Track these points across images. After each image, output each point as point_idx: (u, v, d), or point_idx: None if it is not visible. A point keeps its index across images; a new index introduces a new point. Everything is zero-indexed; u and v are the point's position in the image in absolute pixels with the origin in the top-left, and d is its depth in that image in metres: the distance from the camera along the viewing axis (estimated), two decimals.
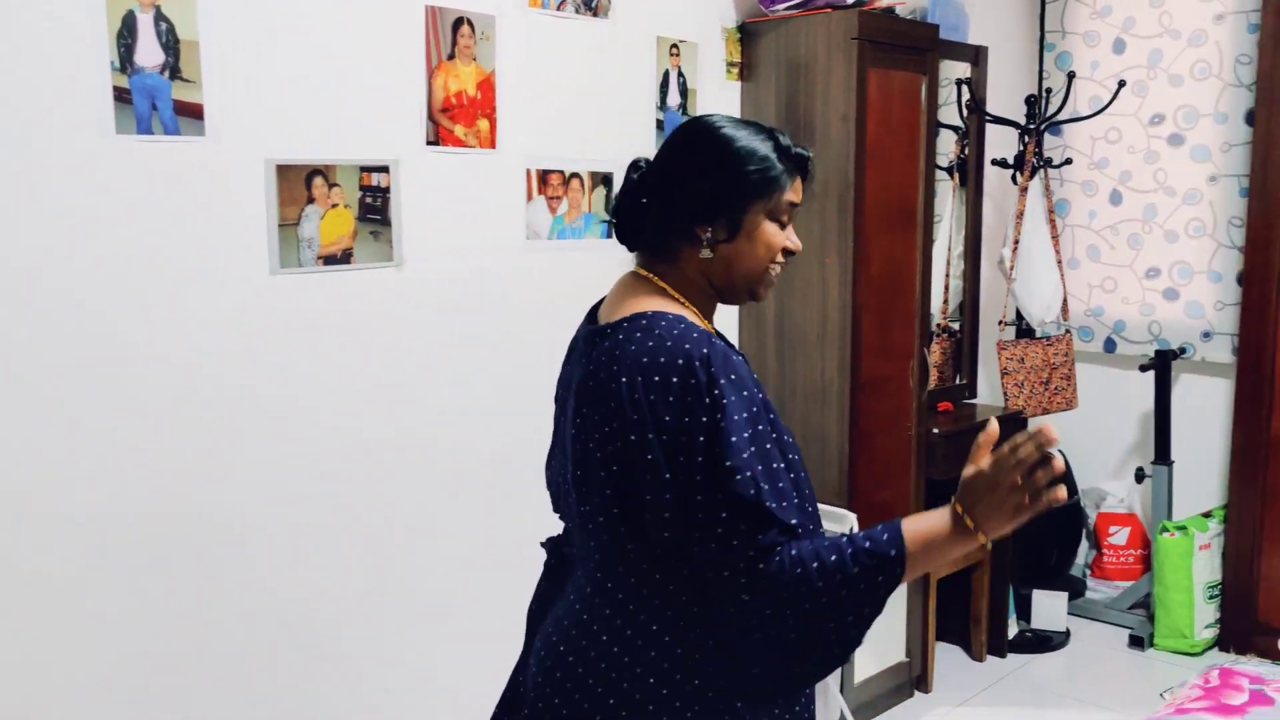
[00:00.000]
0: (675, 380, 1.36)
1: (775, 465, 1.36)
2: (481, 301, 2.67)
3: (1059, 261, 3.90)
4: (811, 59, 3.08)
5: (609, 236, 2.88)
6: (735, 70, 3.23)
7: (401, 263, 2.50)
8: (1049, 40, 4.34)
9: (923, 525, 1.35)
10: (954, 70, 3.80)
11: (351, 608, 2.49)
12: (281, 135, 2.29)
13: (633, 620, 1.43)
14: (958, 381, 3.90)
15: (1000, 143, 4.02)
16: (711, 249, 1.48)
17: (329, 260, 2.39)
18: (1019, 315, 3.94)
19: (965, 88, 3.77)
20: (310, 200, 2.34)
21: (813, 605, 1.32)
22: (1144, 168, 4.15)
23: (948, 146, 3.86)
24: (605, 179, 2.89)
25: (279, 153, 2.28)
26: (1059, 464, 1.30)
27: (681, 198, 1.48)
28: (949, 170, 3.85)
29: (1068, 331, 3.96)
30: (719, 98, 3.20)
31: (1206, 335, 4.03)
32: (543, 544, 1.70)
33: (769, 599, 1.33)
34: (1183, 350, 4.04)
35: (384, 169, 2.45)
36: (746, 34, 3.22)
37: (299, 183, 2.31)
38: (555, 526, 1.68)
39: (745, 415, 1.35)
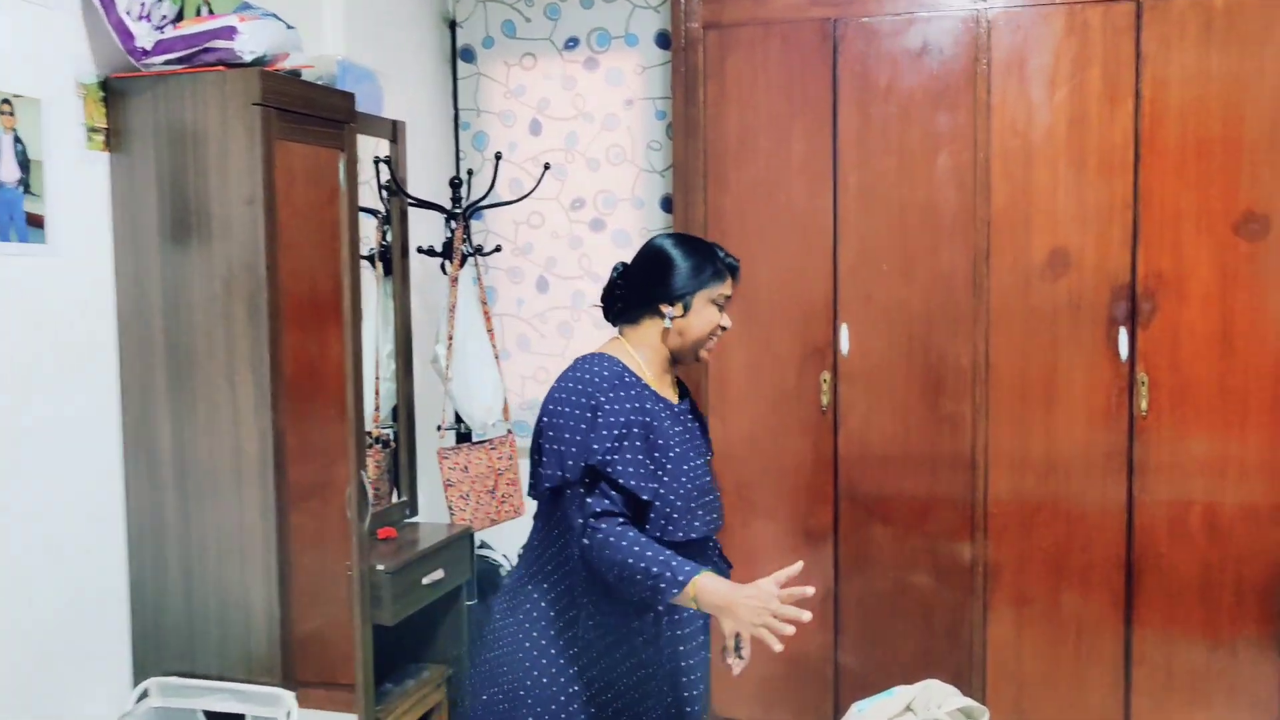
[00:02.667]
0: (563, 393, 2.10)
1: (630, 456, 2.03)
2: None
3: (496, 357, 3.59)
4: (202, 128, 2.46)
5: None
6: (100, 138, 2.50)
7: None
8: (464, 119, 4.07)
9: (705, 591, 1.92)
10: (370, 148, 3.36)
11: None
12: None
13: None
14: (396, 499, 3.42)
15: (423, 228, 3.64)
16: (671, 321, 2.17)
17: None
18: (458, 418, 3.57)
19: (385, 167, 3.34)
20: None
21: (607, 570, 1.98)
22: (569, 253, 4.00)
23: (368, 233, 3.40)
24: None
25: None
26: (804, 619, 1.86)
27: (659, 287, 2.17)
28: (370, 259, 3.39)
29: (509, 431, 3.65)
30: (79, 172, 2.45)
31: None
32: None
33: (593, 553, 2.00)
34: None
35: None
36: (113, 93, 2.51)
37: None
38: None
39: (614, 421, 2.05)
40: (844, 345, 3.49)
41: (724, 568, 2.40)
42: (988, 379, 3.40)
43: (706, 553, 2.25)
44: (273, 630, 2.50)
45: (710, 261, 2.19)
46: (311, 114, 2.63)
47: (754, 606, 1.87)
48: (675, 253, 2.19)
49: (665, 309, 2.16)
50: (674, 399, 2.22)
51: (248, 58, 2.47)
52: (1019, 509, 3.40)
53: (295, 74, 2.67)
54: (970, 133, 3.36)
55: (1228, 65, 3.19)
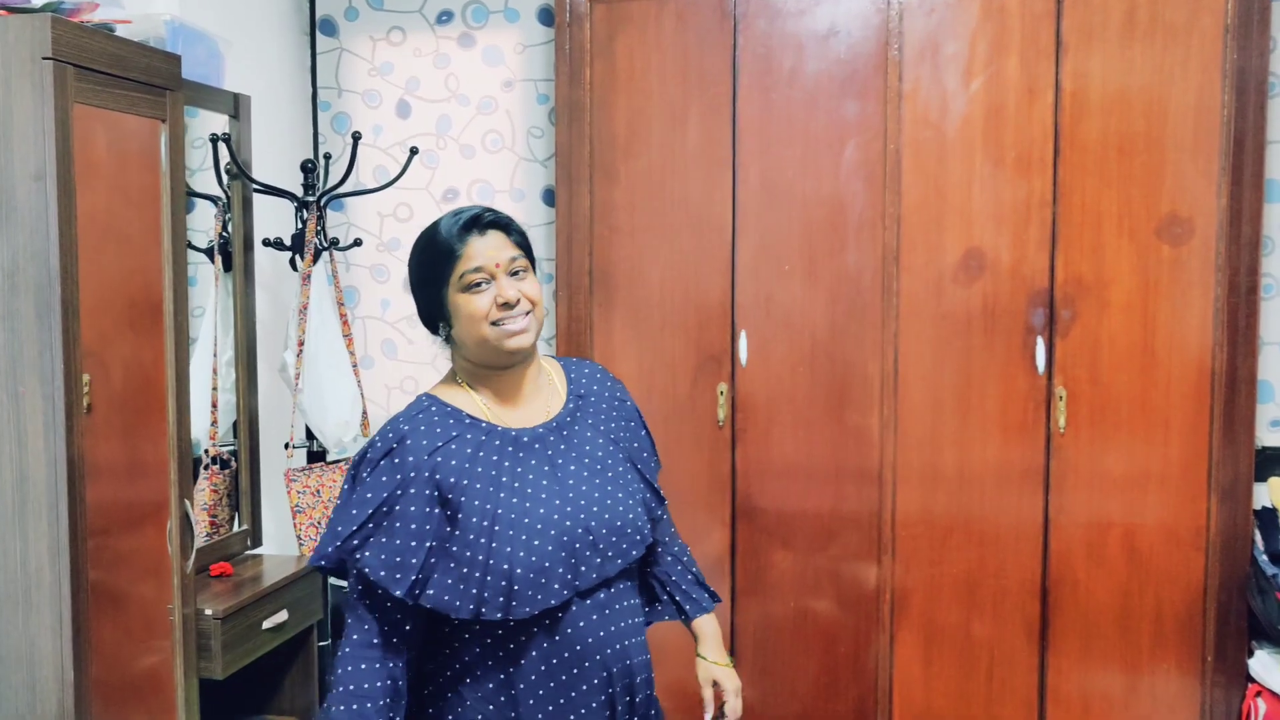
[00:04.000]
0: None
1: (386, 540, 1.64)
2: None
3: (355, 365, 3.18)
4: None
5: None
6: None
7: None
8: (323, 98, 3.65)
9: None
10: (208, 124, 2.94)
11: None
12: None
13: None
14: (236, 528, 2.98)
15: (274, 218, 3.22)
16: (449, 341, 1.77)
17: None
18: (310, 435, 3.15)
19: (224, 146, 2.91)
20: None
21: None
22: None
23: (207, 222, 2.98)
24: None
25: None
26: None
27: (419, 311, 1.81)
28: (209, 252, 2.96)
29: None
30: None
31: None
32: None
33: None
34: None
35: None
36: None
37: None
38: None
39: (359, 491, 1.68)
40: (743, 354, 3.18)
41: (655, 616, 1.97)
42: (896, 390, 3.13)
43: (611, 603, 1.73)
44: (65, 693, 2.06)
45: (433, 246, 1.73)
46: (123, 75, 2.21)
47: None
48: (410, 263, 1.79)
49: (441, 330, 1.76)
50: (544, 413, 1.78)
51: (37, 2, 2.04)
52: (929, 530, 3.14)
53: (107, 28, 2.25)
54: (880, 123, 3.08)
55: (1151, 58, 2.97)
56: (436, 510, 1.65)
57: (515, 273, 1.72)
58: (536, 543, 1.65)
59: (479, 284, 1.69)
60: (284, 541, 3.22)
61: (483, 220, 1.72)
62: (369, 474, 1.66)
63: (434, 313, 1.75)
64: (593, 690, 1.69)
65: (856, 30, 3.09)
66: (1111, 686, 3.09)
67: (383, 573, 1.61)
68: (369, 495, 1.65)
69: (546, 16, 3.52)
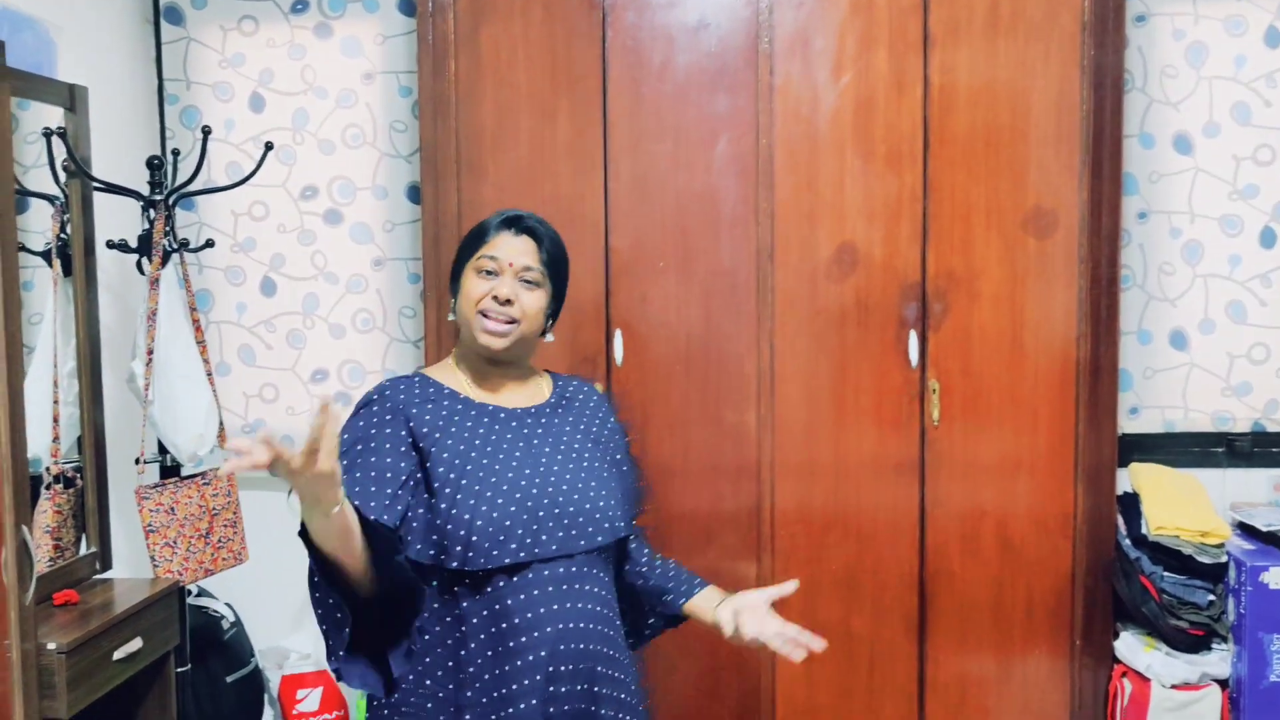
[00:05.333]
0: None
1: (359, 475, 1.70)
2: None
3: (209, 373, 3.01)
4: None
5: None
6: None
7: None
8: (171, 91, 3.44)
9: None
10: (42, 117, 2.73)
11: None
12: None
13: None
14: (83, 551, 2.78)
15: (118, 219, 3.02)
16: (453, 311, 1.88)
17: None
18: (162, 449, 2.96)
19: (60, 141, 2.71)
20: None
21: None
22: (299, 250, 3.46)
23: (43, 223, 2.77)
24: None
25: None
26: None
27: (450, 289, 1.93)
28: (46, 255, 2.76)
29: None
30: None
31: None
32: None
33: None
34: None
35: None
36: None
37: None
38: None
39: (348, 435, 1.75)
40: (618, 353, 3.12)
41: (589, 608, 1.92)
42: (773, 387, 3.10)
43: (570, 581, 1.79)
44: None
45: (473, 229, 1.91)
46: None
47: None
48: None
49: (451, 304, 1.91)
50: (526, 402, 1.92)
51: None
52: (807, 528, 3.13)
53: None
54: (752, 117, 3.05)
55: (1014, 53, 3.01)
56: (411, 451, 1.76)
57: (528, 281, 1.86)
58: (500, 501, 1.75)
59: (488, 272, 1.84)
60: (137, 564, 3.02)
61: (522, 223, 1.88)
62: (351, 422, 1.79)
63: (453, 288, 1.90)
64: (532, 665, 1.72)
65: (726, 23, 3.05)
66: (986, 673, 3.13)
67: (358, 501, 1.65)
68: (346, 436, 1.75)
69: (407, 6, 3.39)
